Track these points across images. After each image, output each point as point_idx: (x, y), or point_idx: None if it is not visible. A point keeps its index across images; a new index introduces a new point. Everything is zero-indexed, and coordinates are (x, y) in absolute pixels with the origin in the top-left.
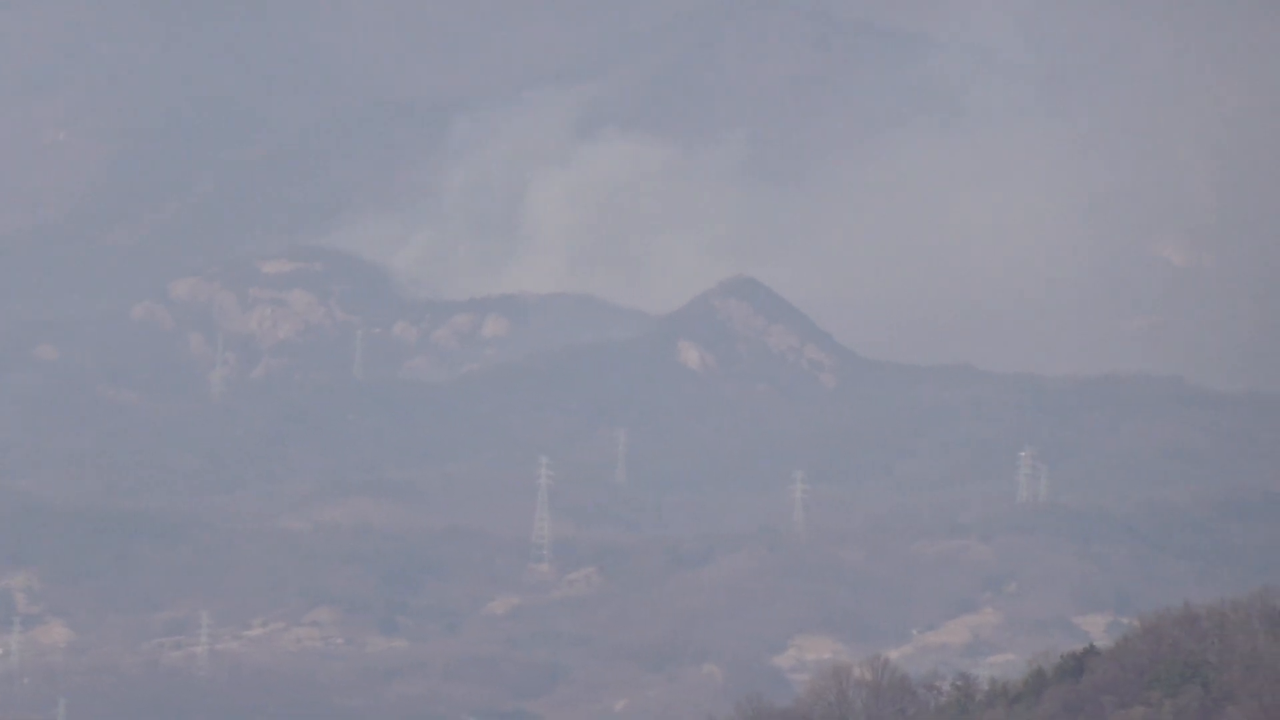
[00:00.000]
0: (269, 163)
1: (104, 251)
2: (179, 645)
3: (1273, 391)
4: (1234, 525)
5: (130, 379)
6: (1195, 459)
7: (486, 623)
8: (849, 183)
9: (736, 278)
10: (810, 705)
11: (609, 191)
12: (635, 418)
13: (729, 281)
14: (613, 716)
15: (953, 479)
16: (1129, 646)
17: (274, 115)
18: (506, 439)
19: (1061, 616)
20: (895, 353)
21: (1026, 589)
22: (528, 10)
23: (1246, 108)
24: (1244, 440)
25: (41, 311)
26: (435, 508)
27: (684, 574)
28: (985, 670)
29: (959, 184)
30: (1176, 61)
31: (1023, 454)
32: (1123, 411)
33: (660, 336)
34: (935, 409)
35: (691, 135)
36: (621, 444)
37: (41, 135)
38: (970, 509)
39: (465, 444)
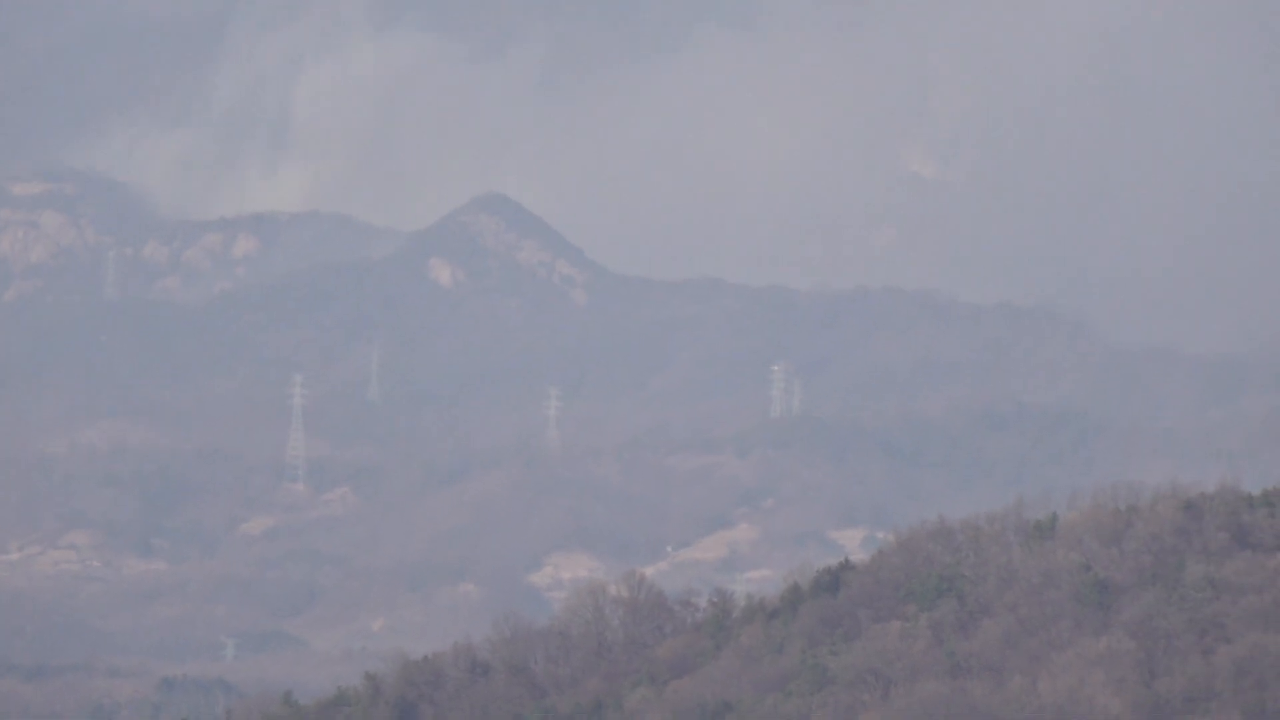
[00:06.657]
0: (15, 80)
1: None
2: None
3: (1022, 302)
4: (988, 437)
5: None
6: (947, 371)
7: (243, 543)
8: (608, 97)
9: (487, 194)
10: (567, 623)
11: (381, 87)
12: (388, 336)
13: (481, 198)
14: (370, 636)
15: (706, 393)
16: (884, 560)
17: (19, 31)
18: (260, 358)
19: (817, 530)
20: (646, 268)
21: (782, 503)
22: None
23: (1001, 24)
24: (995, 351)
25: None
26: (190, 428)
27: (439, 492)
28: (742, 586)
29: (714, 99)
30: None
31: (775, 367)
32: (874, 324)
33: (412, 254)
34: (686, 323)
35: (486, 38)
36: (375, 362)
37: None
38: (724, 424)
39: (218, 364)
